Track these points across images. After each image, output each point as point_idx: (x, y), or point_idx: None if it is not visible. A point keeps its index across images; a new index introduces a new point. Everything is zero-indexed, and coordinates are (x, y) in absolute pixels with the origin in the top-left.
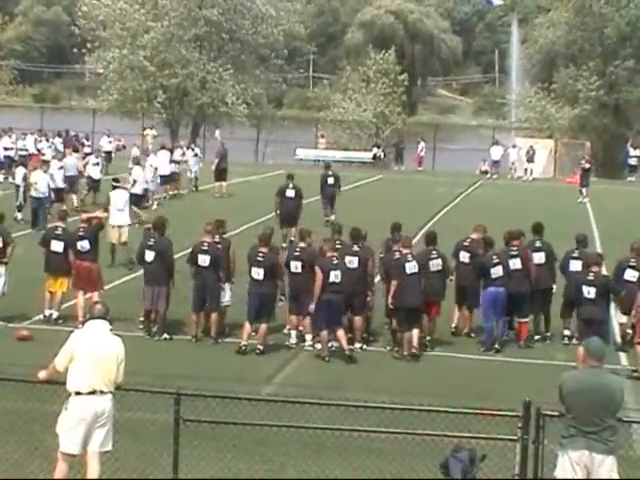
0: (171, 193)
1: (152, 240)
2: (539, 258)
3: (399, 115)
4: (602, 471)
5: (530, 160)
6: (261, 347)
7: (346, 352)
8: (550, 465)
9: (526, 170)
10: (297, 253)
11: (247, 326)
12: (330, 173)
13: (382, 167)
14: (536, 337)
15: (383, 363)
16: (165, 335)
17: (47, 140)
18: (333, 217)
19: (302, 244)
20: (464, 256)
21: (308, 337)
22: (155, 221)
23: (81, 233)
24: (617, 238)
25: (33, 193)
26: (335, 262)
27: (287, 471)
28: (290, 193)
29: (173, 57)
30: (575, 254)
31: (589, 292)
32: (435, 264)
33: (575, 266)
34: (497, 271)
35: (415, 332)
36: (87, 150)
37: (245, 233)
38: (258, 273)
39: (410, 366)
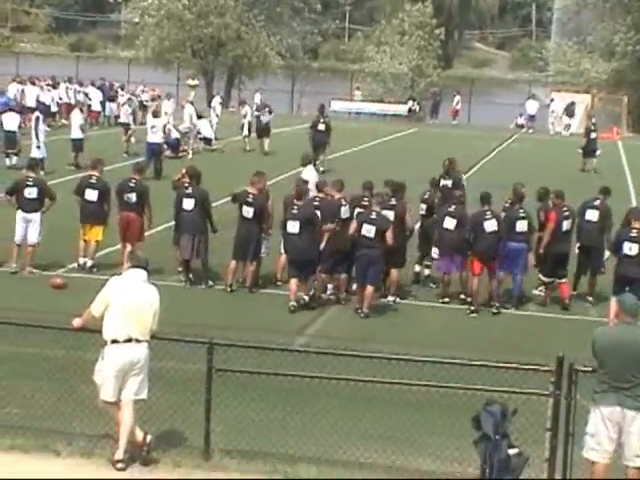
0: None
1: (191, 189)
2: (592, 215)
3: (434, 69)
4: (634, 427)
5: (570, 115)
6: (306, 297)
7: (364, 310)
8: (582, 420)
9: (566, 125)
10: (294, 212)
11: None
12: (322, 120)
13: (417, 120)
14: (589, 298)
15: (415, 316)
16: (210, 282)
17: (99, 88)
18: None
19: (299, 202)
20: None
21: (329, 286)
22: (192, 170)
23: (132, 185)
24: None
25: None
26: (373, 216)
27: (319, 422)
28: (321, 127)
29: (210, 5)
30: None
31: (630, 249)
32: (490, 225)
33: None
34: (522, 226)
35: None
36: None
37: (279, 184)
38: (293, 226)
39: (442, 320)
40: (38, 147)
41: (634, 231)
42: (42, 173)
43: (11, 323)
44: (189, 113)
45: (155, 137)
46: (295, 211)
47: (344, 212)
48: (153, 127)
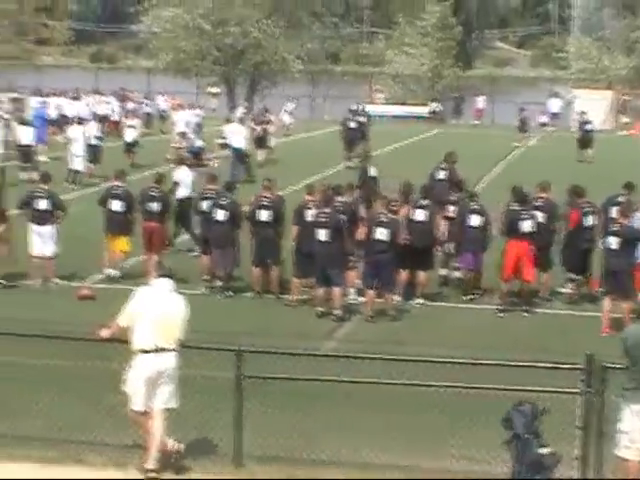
0: None
1: (224, 200)
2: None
3: (453, 68)
4: None
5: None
6: (337, 312)
7: (389, 313)
8: (613, 418)
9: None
10: (323, 219)
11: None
12: (352, 117)
13: (439, 121)
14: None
15: (443, 318)
16: (231, 293)
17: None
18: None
19: (327, 209)
20: (540, 217)
21: (351, 290)
22: (228, 181)
23: (153, 194)
24: None
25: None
26: (383, 219)
27: (350, 426)
28: (352, 124)
29: (228, 15)
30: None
31: (613, 243)
32: (526, 225)
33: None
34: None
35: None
36: (148, 110)
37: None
38: (322, 234)
39: (470, 321)
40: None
41: (616, 225)
42: (75, 186)
43: (39, 335)
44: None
45: (237, 142)
46: (324, 219)
47: (310, 215)
48: (232, 132)
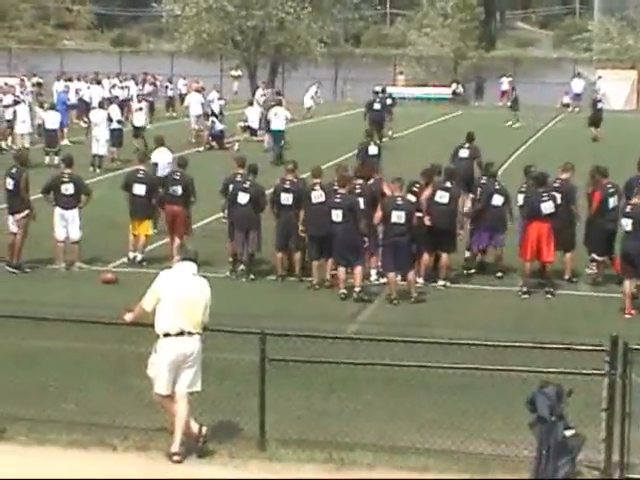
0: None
1: (248, 183)
2: None
3: (476, 50)
4: None
5: None
6: (358, 289)
7: (412, 295)
8: (639, 400)
9: None
10: (337, 200)
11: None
12: (377, 99)
13: (461, 103)
14: None
15: (467, 300)
16: (252, 276)
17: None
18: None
19: (342, 190)
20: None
21: (373, 272)
22: (241, 161)
23: (176, 177)
24: None
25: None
26: (399, 202)
27: (374, 408)
28: (377, 106)
29: None
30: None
31: (627, 224)
32: (547, 207)
33: None
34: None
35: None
36: (170, 93)
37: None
38: (336, 215)
39: (493, 303)
40: (107, 141)
41: (629, 207)
42: (98, 170)
43: (64, 319)
44: (199, 102)
45: (277, 124)
46: (338, 200)
47: (316, 197)
48: (276, 114)
